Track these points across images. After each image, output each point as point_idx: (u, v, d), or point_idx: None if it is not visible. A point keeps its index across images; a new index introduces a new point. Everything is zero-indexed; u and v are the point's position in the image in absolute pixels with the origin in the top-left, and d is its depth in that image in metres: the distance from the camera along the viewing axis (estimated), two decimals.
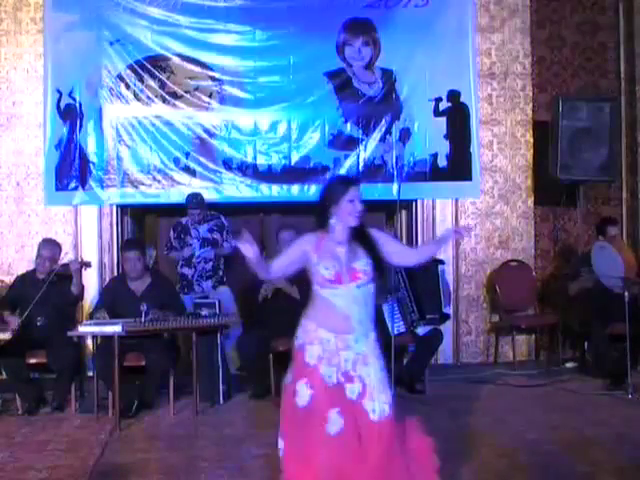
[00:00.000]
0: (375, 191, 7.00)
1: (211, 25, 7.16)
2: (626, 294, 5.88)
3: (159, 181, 7.15)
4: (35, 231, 7.07)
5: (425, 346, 6.22)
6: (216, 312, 5.90)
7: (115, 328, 5.32)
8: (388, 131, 7.27)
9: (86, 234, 7.12)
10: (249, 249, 3.22)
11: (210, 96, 7.19)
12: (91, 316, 6.00)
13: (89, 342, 6.43)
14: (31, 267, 6.27)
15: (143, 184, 7.14)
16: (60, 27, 7.03)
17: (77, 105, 7.07)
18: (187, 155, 7.16)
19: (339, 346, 3.31)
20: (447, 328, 6.75)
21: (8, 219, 7.12)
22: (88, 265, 6.12)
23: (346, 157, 7.23)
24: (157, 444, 4.96)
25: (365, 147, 7.24)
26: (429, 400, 5.87)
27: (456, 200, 7.35)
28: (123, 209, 7.33)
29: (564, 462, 4.44)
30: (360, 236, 3.42)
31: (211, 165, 7.17)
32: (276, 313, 5.85)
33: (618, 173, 7.45)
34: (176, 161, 7.15)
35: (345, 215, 3.35)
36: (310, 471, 3.24)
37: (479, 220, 7.40)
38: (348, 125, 7.26)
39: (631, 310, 5.89)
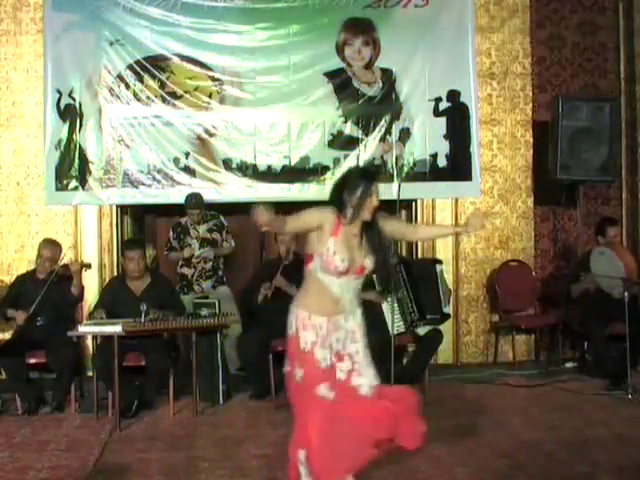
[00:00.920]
0: None
1: (211, 25, 7.14)
2: (626, 294, 5.88)
3: (159, 181, 7.13)
4: (35, 231, 7.06)
5: (425, 346, 6.23)
6: (216, 312, 5.90)
7: (115, 328, 5.32)
8: (388, 131, 7.26)
9: (86, 234, 7.10)
10: (264, 212, 3.23)
11: (210, 96, 7.18)
12: (90, 316, 6.01)
13: (89, 342, 6.45)
14: (31, 267, 6.29)
15: (143, 184, 7.12)
16: (60, 27, 7.01)
17: (77, 105, 7.05)
18: (187, 155, 7.15)
19: (330, 328, 3.44)
20: (447, 328, 6.74)
21: (8, 219, 7.11)
22: (88, 267, 6.13)
23: (346, 157, 7.22)
24: (157, 444, 4.96)
25: (365, 147, 7.24)
26: (429, 400, 5.87)
27: (456, 200, 7.35)
28: (123, 209, 7.32)
29: (564, 462, 4.44)
30: (371, 229, 3.49)
31: (211, 165, 7.16)
32: (276, 313, 5.83)
33: (618, 173, 7.45)
34: (176, 161, 7.13)
35: (362, 209, 3.41)
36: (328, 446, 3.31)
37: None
38: (348, 125, 7.26)
39: (631, 310, 5.88)
